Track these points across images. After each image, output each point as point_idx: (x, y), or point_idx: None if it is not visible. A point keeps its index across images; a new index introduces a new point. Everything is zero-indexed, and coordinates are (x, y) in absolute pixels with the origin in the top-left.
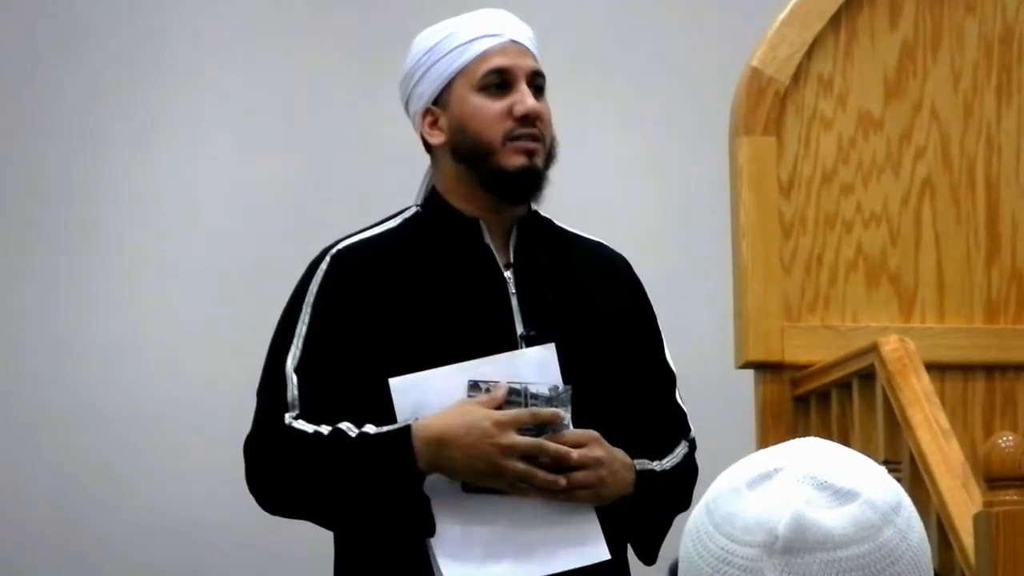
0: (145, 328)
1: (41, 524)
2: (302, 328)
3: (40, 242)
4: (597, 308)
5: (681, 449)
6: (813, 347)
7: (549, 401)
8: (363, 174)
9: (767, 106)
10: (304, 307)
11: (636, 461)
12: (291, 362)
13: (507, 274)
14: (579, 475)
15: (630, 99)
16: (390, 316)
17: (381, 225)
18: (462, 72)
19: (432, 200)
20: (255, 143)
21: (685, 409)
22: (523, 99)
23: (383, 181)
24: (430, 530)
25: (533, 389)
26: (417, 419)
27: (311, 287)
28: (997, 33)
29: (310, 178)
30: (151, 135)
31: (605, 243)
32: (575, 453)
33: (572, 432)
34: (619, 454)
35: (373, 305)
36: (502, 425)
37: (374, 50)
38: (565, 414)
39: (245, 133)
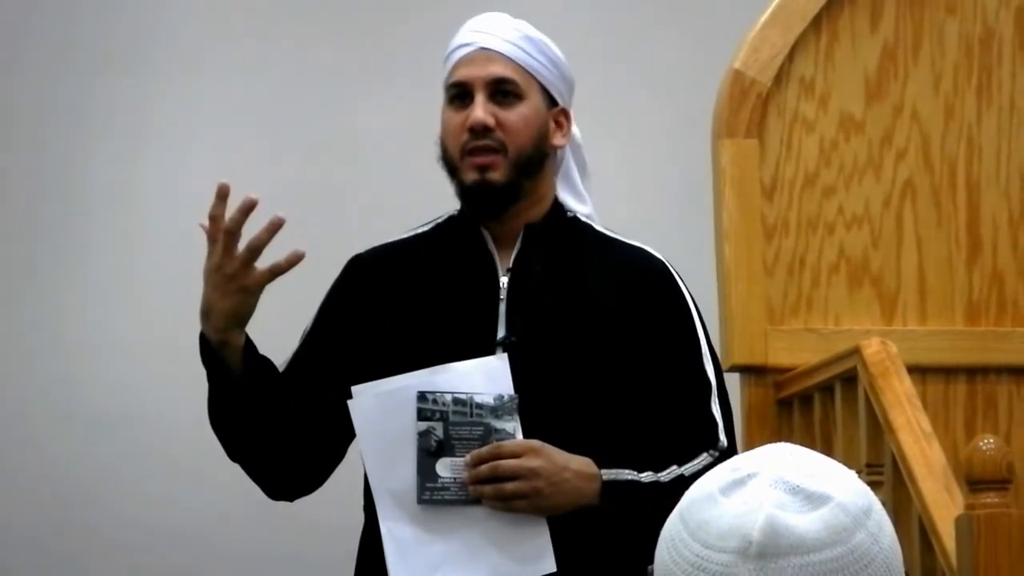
0: (137, 329)
1: (33, 524)
2: (307, 327)
3: (35, 243)
4: (588, 314)
5: (702, 459)
6: (796, 350)
7: (494, 410)
8: (353, 177)
9: (749, 108)
10: (318, 309)
11: (609, 471)
12: (285, 359)
13: (503, 280)
14: (511, 485)
15: (611, 102)
16: (382, 320)
17: (417, 229)
18: (445, 85)
19: (462, 206)
20: (245, 144)
21: (719, 419)
22: (473, 110)
23: (373, 184)
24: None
25: (479, 399)
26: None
27: (329, 290)
28: (977, 34)
29: (300, 180)
30: (141, 135)
31: (648, 249)
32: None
33: (511, 442)
34: (575, 464)
35: (370, 309)
36: (211, 255)
37: (364, 52)
38: (511, 422)
39: (236, 133)
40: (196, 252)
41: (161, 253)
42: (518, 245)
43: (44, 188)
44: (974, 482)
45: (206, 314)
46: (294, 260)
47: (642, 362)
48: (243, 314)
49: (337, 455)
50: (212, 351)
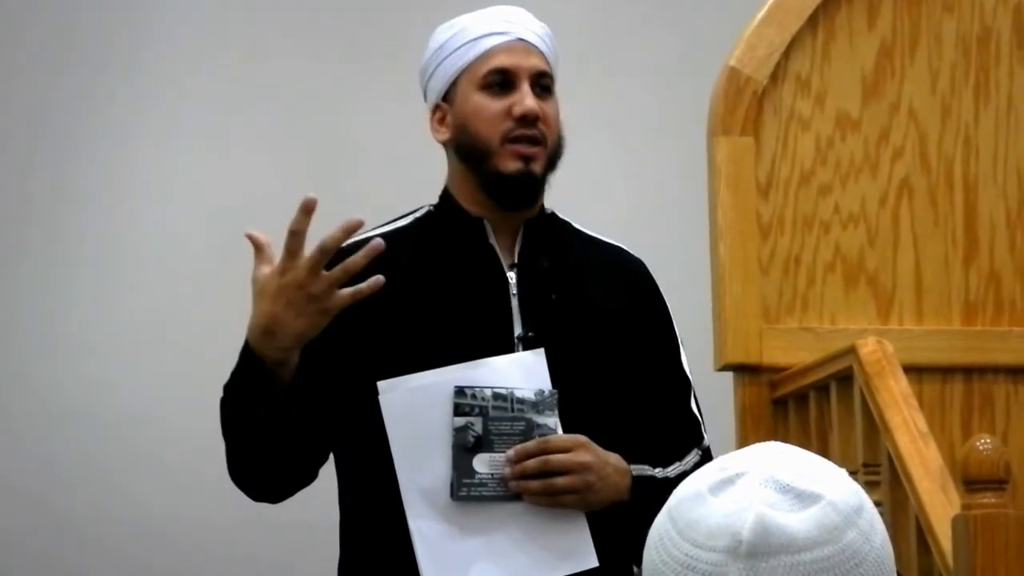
0: (129, 328)
1: (24, 525)
2: None
3: (26, 244)
4: (596, 311)
5: (692, 457)
6: (791, 349)
7: (535, 405)
8: (345, 174)
9: (745, 106)
10: None
11: (634, 467)
12: None
13: (510, 275)
14: (563, 480)
15: (607, 98)
16: (385, 315)
17: (394, 223)
18: (467, 70)
19: (443, 199)
20: (236, 144)
21: (700, 418)
22: (522, 99)
23: (369, 187)
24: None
25: (519, 394)
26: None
27: None
28: (975, 33)
29: (292, 179)
30: (134, 136)
31: (625, 248)
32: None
33: (559, 437)
34: (613, 459)
35: (367, 304)
36: (288, 270)
37: (360, 54)
38: (552, 417)
39: (227, 134)
40: (189, 254)
41: (152, 254)
42: (520, 239)
43: (37, 189)
44: (971, 482)
45: (271, 333)
46: (376, 286)
47: (637, 360)
48: (312, 335)
49: (324, 457)
50: (263, 369)
